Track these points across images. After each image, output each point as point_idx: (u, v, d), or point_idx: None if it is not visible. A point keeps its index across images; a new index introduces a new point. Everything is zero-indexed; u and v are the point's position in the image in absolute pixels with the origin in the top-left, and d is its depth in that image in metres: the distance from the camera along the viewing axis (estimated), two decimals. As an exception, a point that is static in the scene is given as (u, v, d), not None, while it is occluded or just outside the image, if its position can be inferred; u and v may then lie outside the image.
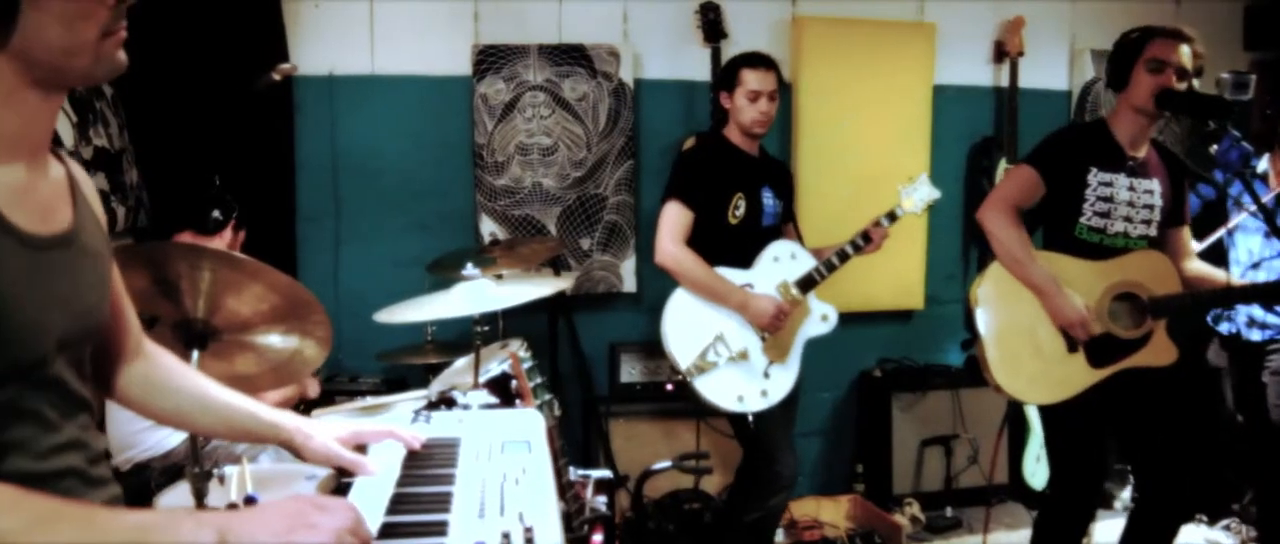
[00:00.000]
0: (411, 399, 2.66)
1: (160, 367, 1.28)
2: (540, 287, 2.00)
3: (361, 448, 1.38)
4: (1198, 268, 2.48)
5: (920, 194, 2.71)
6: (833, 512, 3.46)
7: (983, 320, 2.34)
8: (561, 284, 2.14)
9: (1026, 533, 3.37)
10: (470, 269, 2.01)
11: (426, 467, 1.34)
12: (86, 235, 1.05)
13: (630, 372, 3.37)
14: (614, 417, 3.33)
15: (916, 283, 3.77)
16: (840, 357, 3.60)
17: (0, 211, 0.91)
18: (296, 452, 1.35)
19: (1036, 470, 3.62)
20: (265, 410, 1.33)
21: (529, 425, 1.53)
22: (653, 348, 3.40)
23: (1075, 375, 2.32)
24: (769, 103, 2.62)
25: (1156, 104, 2.29)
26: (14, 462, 0.91)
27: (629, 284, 3.50)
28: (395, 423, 1.47)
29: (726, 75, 2.65)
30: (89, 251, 1.05)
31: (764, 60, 2.64)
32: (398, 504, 1.19)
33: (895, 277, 3.67)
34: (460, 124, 3.37)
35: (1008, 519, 3.56)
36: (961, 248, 3.90)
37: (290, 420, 1.33)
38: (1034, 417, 3.65)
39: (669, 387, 3.37)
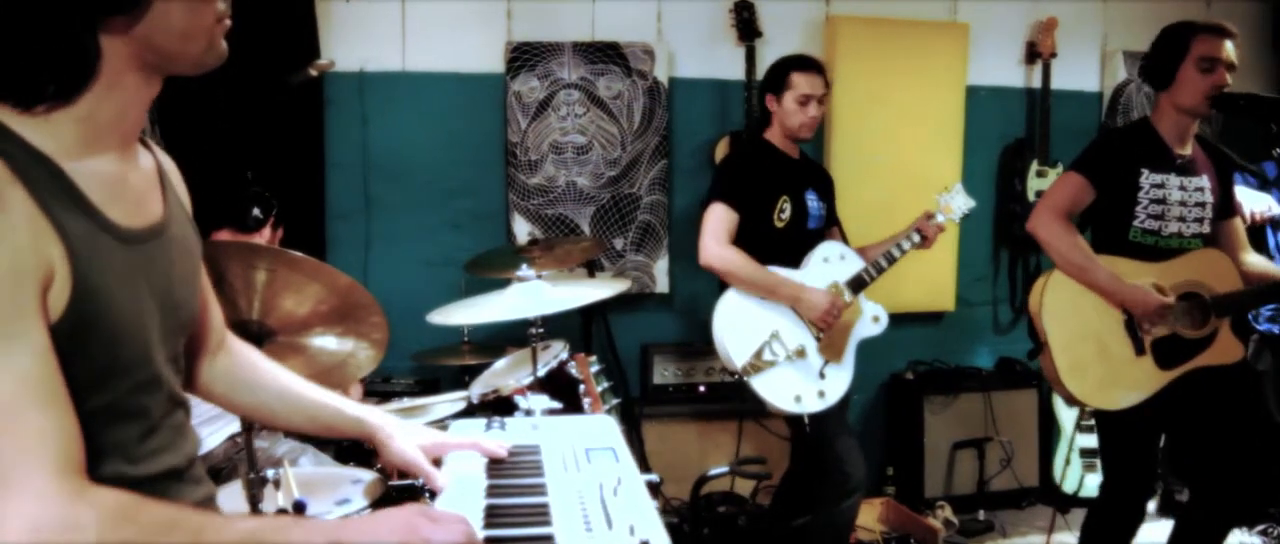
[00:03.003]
0: (451, 401, 2.63)
1: (243, 361, 1.27)
2: (598, 288, 1.96)
3: (436, 460, 1.35)
4: (1255, 261, 2.45)
5: (958, 203, 2.70)
6: (865, 515, 3.42)
7: (1048, 329, 2.30)
8: (620, 286, 2.11)
9: (1059, 536, 3.39)
10: (525, 270, 1.98)
11: (513, 476, 1.30)
12: (176, 226, 1.03)
13: (663, 373, 3.34)
14: (646, 418, 3.30)
15: (947, 284, 3.75)
16: (870, 358, 3.55)
17: (97, 206, 0.87)
18: (376, 449, 1.32)
19: (1067, 473, 3.61)
20: (349, 405, 1.31)
21: (607, 432, 1.50)
22: (686, 349, 3.38)
23: (1145, 378, 2.29)
24: (818, 107, 2.58)
25: (1214, 106, 2.26)
26: (112, 466, 0.89)
27: (662, 285, 3.47)
28: (473, 432, 1.44)
29: (774, 78, 2.59)
30: (180, 243, 1.03)
31: (814, 63, 2.60)
32: (494, 517, 1.15)
33: (926, 278, 3.65)
34: (493, 122, 3.34)
35: (1039, 522, 3.54)
36: (992, 250, 3.88)
37: (375, 417, 1.31)
38: (1065, 419, 3.63)
39: (702, 388, 3.35)
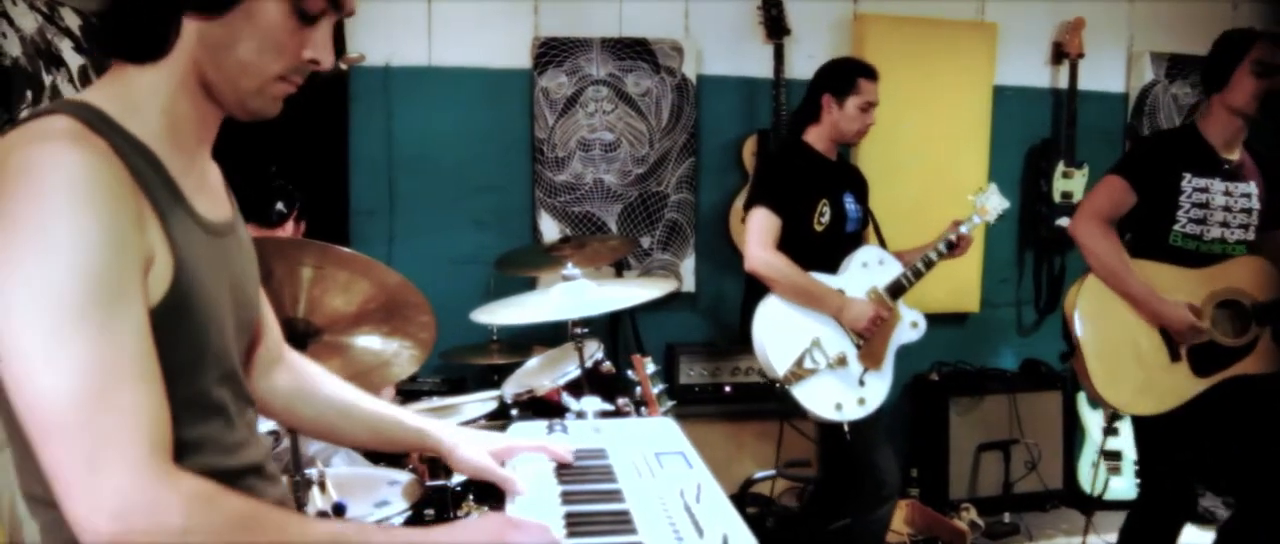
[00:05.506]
0: (482, 400, 2.60)
1: (303, 375, 1.25)
2: (645, 289, 1.93)
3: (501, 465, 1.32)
4: None
5: (993, 203, 2.69)
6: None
7: (1082, 333, 2.30)
8: (667, 286, 2.08)
9: (1082, 538, 3.37)
10: (571, 269, 1.94)
11: (585, 481, 1.27)
12: (241, 229, 1.06)
13: (688, 373, 3.31)
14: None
15: (972, 286, 3.72)
16: (895, 359, 3.57)
17: (187, 197, 0.90)
18: (443, 459, 1.30)
19: (1091, 476, 3.59)
20: (409, 416, 1.29)
21: (672, 436, 1.47)
22: (712, 349, 3.35)
23: (1180, 385, 2.28)
24: (873, 113, 2.60)
25: (1263, 108, 2.25)
26: (203, 459, 0.89)
27: (688, 284, 3.44)
28: (536, 435, 1.41)
29: (840, 80, 2.56)
30: (244, 245, 1.06)
31: (876, 71, 2.61)
32: (575, 524, 1.12)
33: (950, 279, 3.61)
34: (519, 118, 3.30)
35: (1064, 525, 3.53)
36: (1017, 251, 3.86)
37: (437, 427, 1.30)
38: (1090, 422, 3.62)
39: (728, 389, 3.32)
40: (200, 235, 0.91)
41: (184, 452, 0.85)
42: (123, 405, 0.75)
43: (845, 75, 2.56)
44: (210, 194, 0.98)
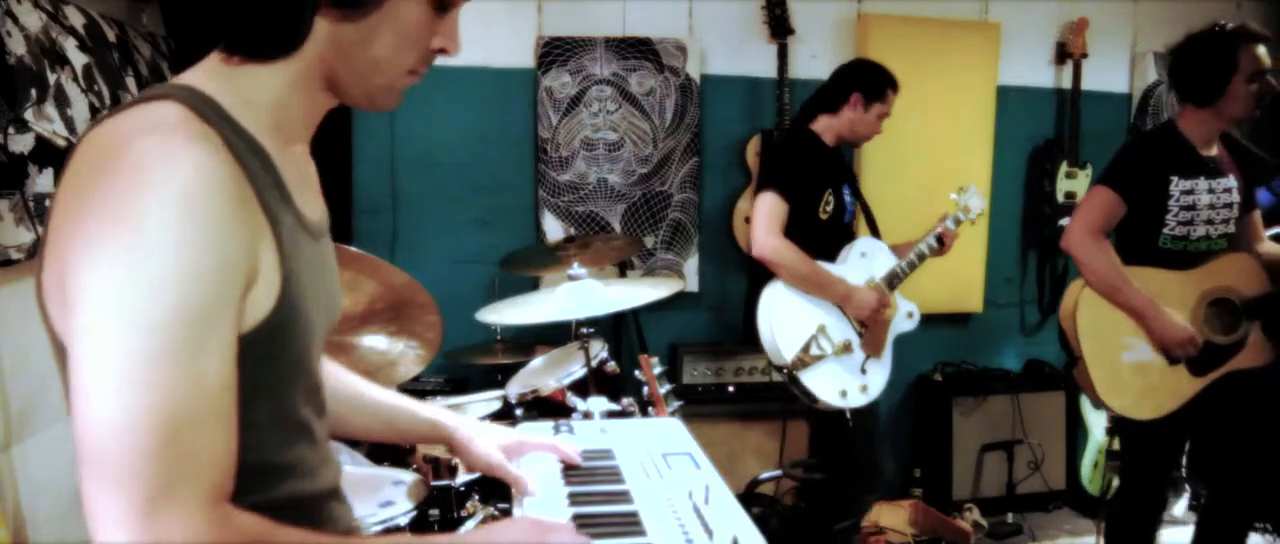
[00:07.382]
0: (487, 400, 2.60)
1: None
2: (653, 288, 1.93)
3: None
4: (1272, 249, 2.45)
5: (975, 204, 2.73)
6: (894, 517, 3.40)
7: (1084, 343, 2.31)
8: (675, 286, 2.07)
9: (1087, 539, 3.37)
10: (577, 268, 1.94)
11: (592, 482, 1.27)
12: (327, 229, 0.99)
13: (692, 373, 3.31)
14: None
15: (975, 286, 3.72)
16: (897, 359, 3.56)
17: (294, 198, 0.85)
18: (454, 451, 1.29)
19: (1094, 476, 3.59)
20: (422, 408, 1.28)
21: (679, 436, 1.47)
22: (716, 349, 3.35)
23: (1180, 386, 2.29)
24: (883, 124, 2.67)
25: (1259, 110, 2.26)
26: (293, 485, 0.85)
27: (691, 283, 3.43)
28: (544, 434, 1.41)
29: (872, 84, 2.59)
30: (331, 244, 0.99)
31: (899, 87, 2.68)
32: (584, 526, 1.12)
33: (954, 279, 3.62)
34: (523, 117, 3.30)
35: (1067, 525, 3.53)
36: (1020, 251, 3.85)
37: (450, 419, 1.28)
38: (1093, 422, 3.61)
39: (731, 388, 3.31)
40: (306, 241, 0.86)
41: (276, 477, 0.83)
42: (195, 446, 0.69)
43: (878, 83, 2.60)
44: (311, 190, 0.93)
